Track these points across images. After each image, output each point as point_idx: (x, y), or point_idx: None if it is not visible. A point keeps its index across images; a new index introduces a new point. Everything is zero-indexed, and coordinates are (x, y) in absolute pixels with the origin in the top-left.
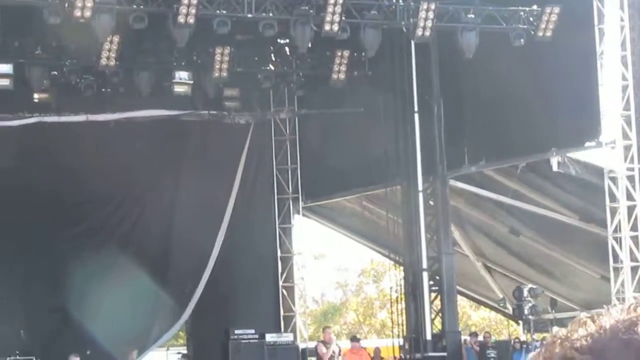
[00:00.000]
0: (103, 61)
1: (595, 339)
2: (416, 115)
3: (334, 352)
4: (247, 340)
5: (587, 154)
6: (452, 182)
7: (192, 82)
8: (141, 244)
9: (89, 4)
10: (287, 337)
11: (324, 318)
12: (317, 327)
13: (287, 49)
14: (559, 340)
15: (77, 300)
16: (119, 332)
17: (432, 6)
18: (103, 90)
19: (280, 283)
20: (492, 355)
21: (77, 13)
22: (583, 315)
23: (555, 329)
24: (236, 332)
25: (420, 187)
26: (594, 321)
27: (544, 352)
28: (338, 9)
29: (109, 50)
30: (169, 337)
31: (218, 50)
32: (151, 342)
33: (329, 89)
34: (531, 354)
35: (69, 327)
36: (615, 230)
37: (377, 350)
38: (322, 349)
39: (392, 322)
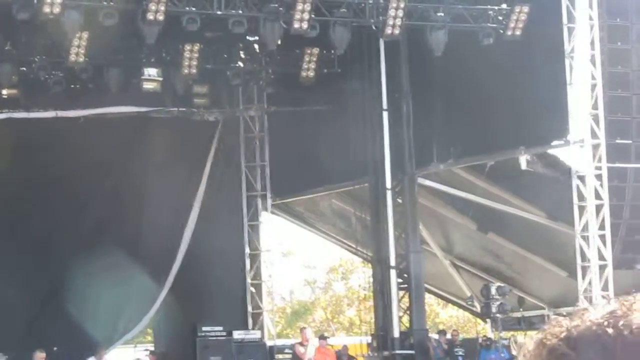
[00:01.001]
0: (72, 57)
1: (581, 332)
2: (385, 113)
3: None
4: (214, 337)
5: (556, 153)
6: (421, 180)
7: (161, 78)
8: (109, 241)
9: (58, 0)
10: (254, 334)
11: (295, 317)
12: (286, 325)
13: (256, 46)
14: (548, 335)
15: (45, 296)
16: (86, 328)
17: (402, 4)
18: (72, 86)
19: (249, 280)
20: (460, 353)
21: (47, 9)
22: (579, 308)
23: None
24: (204, 328)
25: (388, 185)
26: (581, 315)
27: (534, 348)
28: (307, 6)
29: (78, 47)
30: (136, 333)
31: (187, 47)
32: (117, 337)
33: (298, 86)
34: (524, 348)
35: (37, 323)
36: (583, 229)
37: (344, 348)
38: (300, 350)
39: (360, 320)
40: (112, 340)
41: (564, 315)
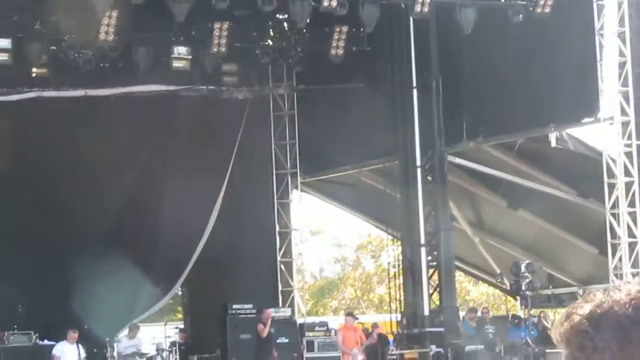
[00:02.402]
0: (102, 36)
1: (605, 311)
2: (414, 91)
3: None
4: (245, 315)
5: (585, 130)
6: (451, 158)
7: (190, 57)
8: (136, 218)
9: None
10: (285, 312)
11: (321, 293)
12: (315, 302)
13: (285, 24)
14: (575, 310)
15: (74, 276)
16: (110, 307)
17: None
18: (101, 65)
19: (279, 258)
20: (490, 330)
21: None
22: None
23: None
24: (234, 306)
25: (418, 163)
26: (609, 293)
27: (560, 325)
28: None
29: (108, 25)
30: (157, 309)
31: (217, 26)
32: (137, 314)
33: (327, 64)
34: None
35: (66, 302)
36: (612, 207)
37: (374, 326)
38: (261, 327)
39: (390, 298)
40: (130, 317)
41: (598, 290)
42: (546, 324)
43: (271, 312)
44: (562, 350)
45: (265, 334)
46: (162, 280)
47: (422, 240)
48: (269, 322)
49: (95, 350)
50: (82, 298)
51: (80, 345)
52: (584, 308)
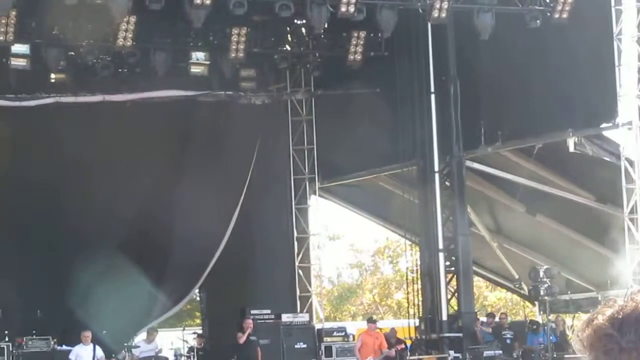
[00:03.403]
0: (120, 42)
1: (628, 314)
2: (432, 96)
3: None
4: (263, 320)
5: (604, 135)
6: (469, 163)
7: (208, 62)
8: (154, 223)
9: None
10: (303, 317)
11: (340, 300)
12: (333, 308)
13: (303, 29)
14: (598, 314)
15: (91, 281)
16: (127, 312)
17: None
18: (119, 70)
19: (297, 263)
20: (508, 336)
21: None
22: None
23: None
24: (252, 312)
25: (436, 168)
26: (633, 297)
27: (582, 331)
28: None
29: (126, 31)
30: (173, 313)
31: (235, 31)
32: (154, 317)
33: (345, 69)
34: (576, 329)
35: (84, 308)
36: (631, 211)
37: (392, 331)
38: (240, 334)
39: (408, 303)
40: (147, 321)
41: (618, 297)
42: (564, 330)
43: (251, 321)
44: (585, 356)
45: (242, 340)
46: (180, 285)
47: (440, 246)
48: (249, 331)
49: (113, 356)
50: (99, 303)
51: (97, 346)
52: (605, 313)
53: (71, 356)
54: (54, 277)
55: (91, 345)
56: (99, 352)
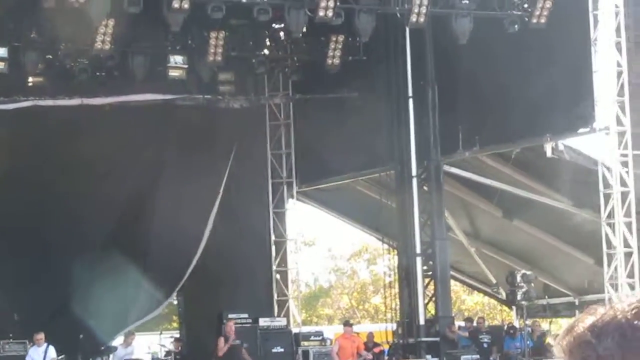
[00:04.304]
0: (98, 45)
1: (606, 321)
2: (410, 101)
3: (234, 345)
4: (240, 324)
5: (581, 140)
6: (446, 168)
7: (186, 66)
8: (133, 226)
9: None
10: (280, 322)
11: (309, 302)
12: (308, 312)
13: (281, 33)
14: (578, 322)
15: (68, 285)
16: (106, 315)
17: None
18: (97, 74)
19: (274, 267)
20: (486, 340)
21: None
22: (613, 297)
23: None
24: (230, 316)
25: (414, 172)
26: (612, 304)
27: (562, 338)
28: None
29: (104, 34)
30: (152, 316)
31: (213, 35)
32: (132, 321)
33: (323, 73)
34: (556, 339)
35: (61, 311)
36: (608, 216)
37: (370, 336)
38: (221, 344)
39: (386, 307)
40: (124, 325)
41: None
42: (542, 334)
43: (233, 325)
44: None
45: (222, 352)
46: (158, 289)
47: (418, 250)
48: (230, 340)
49: (90, 359)
50: (77, 306)
51: (50, 347)
52: (586, 320)
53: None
54: (32, 280)
55: (44, 346)
56: (52, 352)
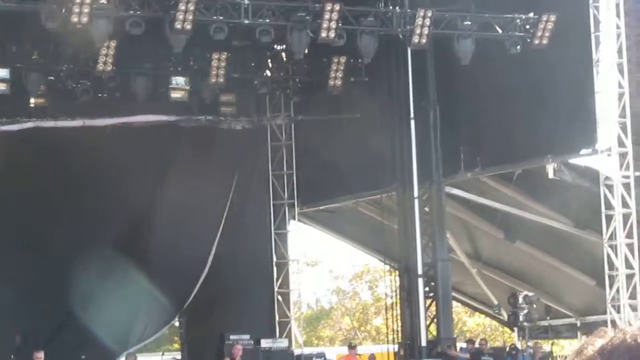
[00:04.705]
0: (100, 66)
1: (616, 344)
2: (412, 122)
3: None
4: (242, 346)
5: (583, 161)
6: (448, 189)
7: (188, 87)
8: (136, 248)
9: (86, 10)
10: (282, 343)
11: (310, 323)
12: (309, 334)
13: (283, 55)
14: (588, 344)
15: (71, 305)
16: (110, 334)
17: (429, 13)
18: (99, 95)
19: (276, 289)
20: None
21: (75, 18)
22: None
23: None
24: (231, 337)
25: (416, 194)
26: (623, 327)
27: (574, 358)
28: (335, 15)
29: (106, 56)
30: (155, 337)
31: (215, 56)
32: (134, 343)
33: (325, 94)
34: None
35: (63, 332)
36: (610, 238)
37: (371, 357)
38: None
39: (387, 328)
40: (129, 344)
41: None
42: (544, 356)
43: (241, 347)
44: None
45: None
46: (162, 310)
47: (420, 271)
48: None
49: None
50: (79, 326)
51: None
52: (595, 343)
53: None
54: (34, 300)
55: None
56: None
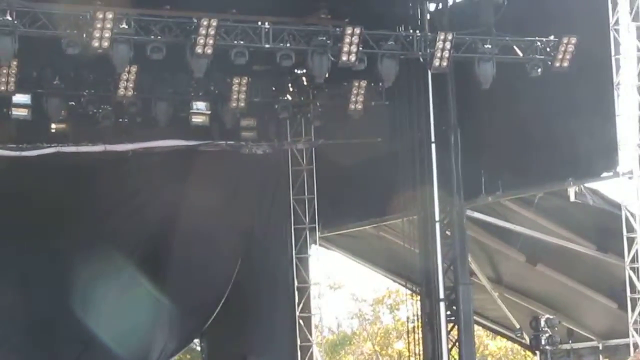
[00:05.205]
0: (121, 91)
1: None
2: (433, 145)
3: None
4: None
5: (605, 184)
6: (469, 213)
7: (209, 112)
8: (156, 272)
9: (107, 35)
10: None
11: (333, 349)
12: (329, 357)
13: (304, 79)
14: None
15: (91, 324)
16: (128, 352)
17: (449, 37)
18: (120, 120)
19: (297, 313)
20: None
21: (96, 43)
22: None
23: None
24: None
25: (437, 217)
26: None
27: None
28: (355, 39)
29: (127, 81)
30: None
31: (236, 81)
32: None
33: (346, 119)
34: None
35: (78, 349)
36: (632, 260)
37: None
38: None
39: (409, 353)
40: None
41: None
42: None
43: None
44: None
45: None
46: (180, 334)
47: (441, 295)
48: None
49: None
50: (97, 350)
51: None
52: None
53: None
54: (48, 332)
55: None
56: None
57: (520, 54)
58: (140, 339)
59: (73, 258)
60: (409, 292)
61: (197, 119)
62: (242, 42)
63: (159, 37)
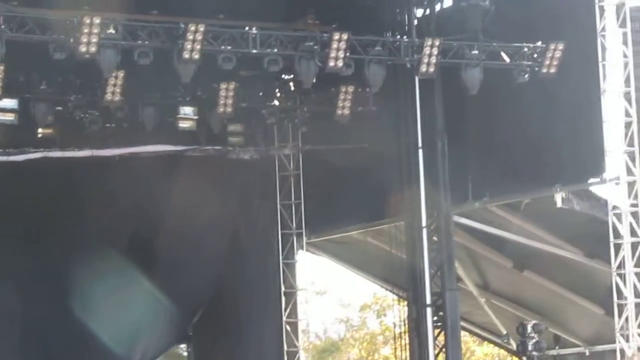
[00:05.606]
0: (108, 96)
1: None
2: (420, 151)
3: None
4: None
5: (592, 190)
6: (456, 218)
7: (196, 117)
8: (138, 277)
9: (94, 40)
10: None
11: (321, 357)
12: None
13: (291, 84)
14: None
15: (78, 318)
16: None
17: (437, 42)
18: (107, 125)
19: (284, 319)
20: None
21: (83, 48)
22: None
23: None
24: None
25: (424, 223)
26: None
27: None
28: (343, 45)
29: (114, 86)
30: None
31: (223, 86)
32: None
33: (333, 124)
34: None
35: (68, 345)
36: (619, 267)
37: None
38: None
39: (396, 358)
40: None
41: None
42: None
43: None
44: None
45: None
46: (162, 338)
47: (428, 301)
48: None
49: None
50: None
51: None
52: None
53: None
54: (43, 335)
55: None
56: None
57: (508, 60)
58: (125, 339)
59: (59, 262)
60: (395, 297)
61: (184, 124)
62: (229, 48)
63: (147, 42)
